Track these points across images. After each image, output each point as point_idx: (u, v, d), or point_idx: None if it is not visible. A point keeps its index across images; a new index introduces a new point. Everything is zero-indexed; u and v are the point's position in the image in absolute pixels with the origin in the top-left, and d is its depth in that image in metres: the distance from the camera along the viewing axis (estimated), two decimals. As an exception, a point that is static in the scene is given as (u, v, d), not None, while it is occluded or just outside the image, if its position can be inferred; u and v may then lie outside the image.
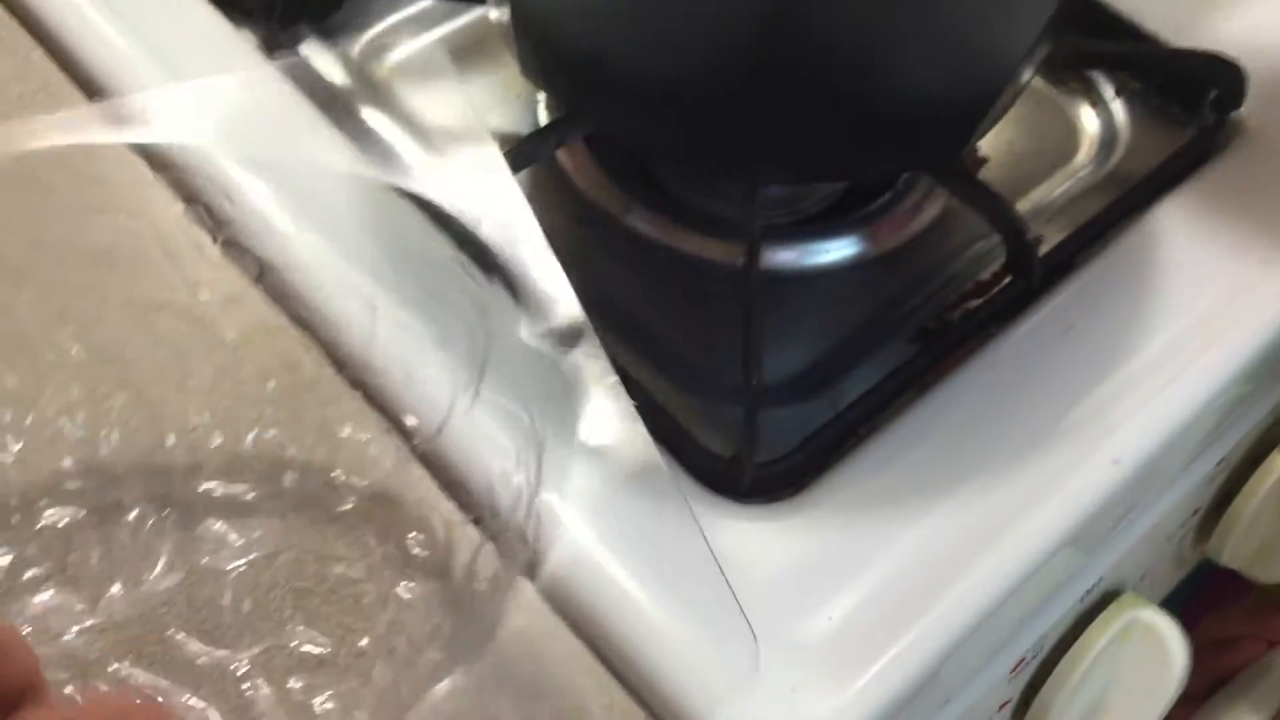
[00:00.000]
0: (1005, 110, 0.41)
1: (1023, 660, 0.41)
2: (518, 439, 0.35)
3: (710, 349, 0.41)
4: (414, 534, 0.34)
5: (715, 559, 0.33)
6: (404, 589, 0.33)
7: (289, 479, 0.35)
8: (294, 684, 0.31)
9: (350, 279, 0.39)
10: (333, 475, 0.35)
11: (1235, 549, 0.48)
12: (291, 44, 0.46)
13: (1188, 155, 0.45)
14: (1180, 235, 0.43)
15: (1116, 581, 0.43)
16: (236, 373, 0.37)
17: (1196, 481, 0.45)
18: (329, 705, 0.31)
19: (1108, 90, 0.49)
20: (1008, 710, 0.43)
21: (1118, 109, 0.48)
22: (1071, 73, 0.49)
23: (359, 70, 0.48)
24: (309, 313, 0.38)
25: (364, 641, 0.32)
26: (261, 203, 0.40)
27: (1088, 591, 0.42)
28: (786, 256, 0.44)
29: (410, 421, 0.36)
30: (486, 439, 0.36)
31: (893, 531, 0.36)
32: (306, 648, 0.32)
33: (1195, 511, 0.48)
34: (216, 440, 0.35)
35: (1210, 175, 0.45)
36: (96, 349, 0.36)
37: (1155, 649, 0.42)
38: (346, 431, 0.36)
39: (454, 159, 0.37)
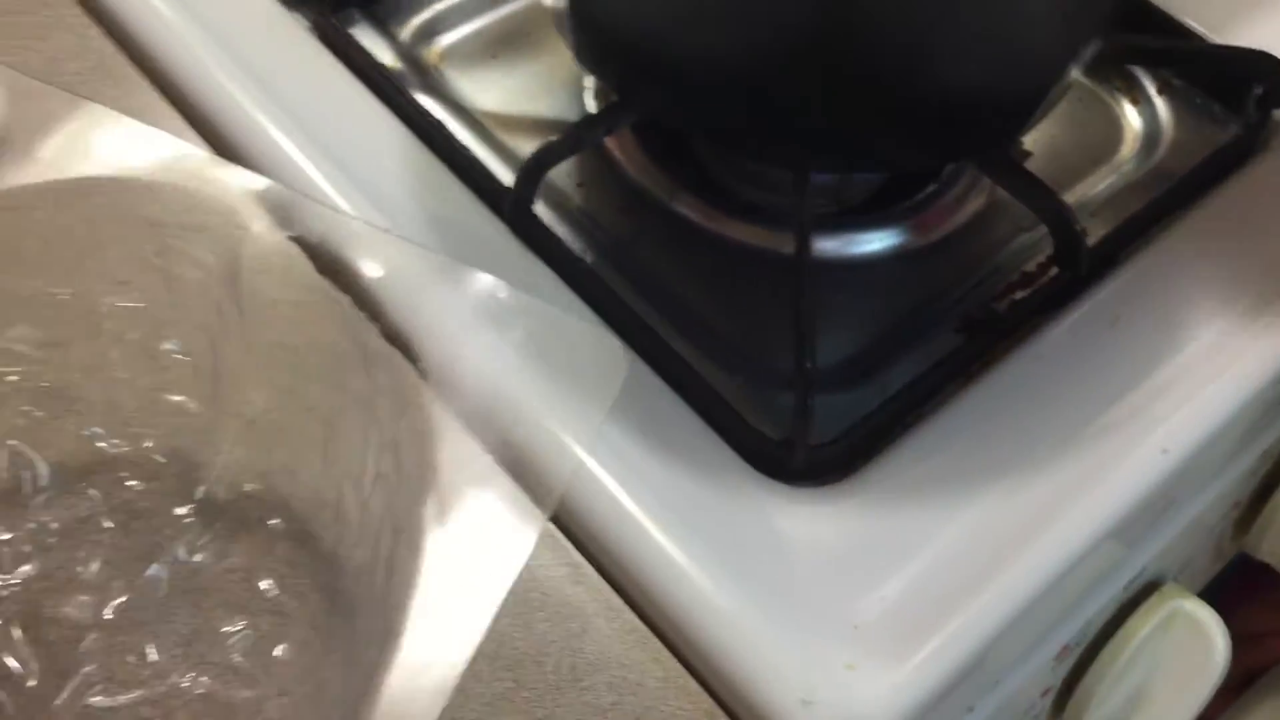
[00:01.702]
0: (1054, 104, 0.42)
1: (1067, 647, 0.41)
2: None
3: (758, 334, 0.42)
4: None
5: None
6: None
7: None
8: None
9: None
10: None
11: (1272, 543, 0.49)
12: (342, 27, 0.46)
13: (1231, 152, 0.45)
14: (1224, 231, 0.43)
15: (1159, 572, 0.44)
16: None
17: (1238, 474, 0.45)
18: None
19: (1150, 87, 0.49)
20: (1050, 697, 0.43)
21: (1161, 106, 0.49)
22: (1115, 68, 0.50)
23: (408, 54, 0.49)
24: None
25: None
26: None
27: (1131, 581, 0.42)
28: (830, 245, 0.44)
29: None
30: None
31: (941, 516, 0.36)
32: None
33: (1235, 505, 0.48)
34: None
35: (1253, 172, 0.45)
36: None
37: (1197, 639, 0.42)
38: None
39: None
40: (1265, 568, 0.51)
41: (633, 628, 0.34)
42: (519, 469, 0.35)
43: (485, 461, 0.35)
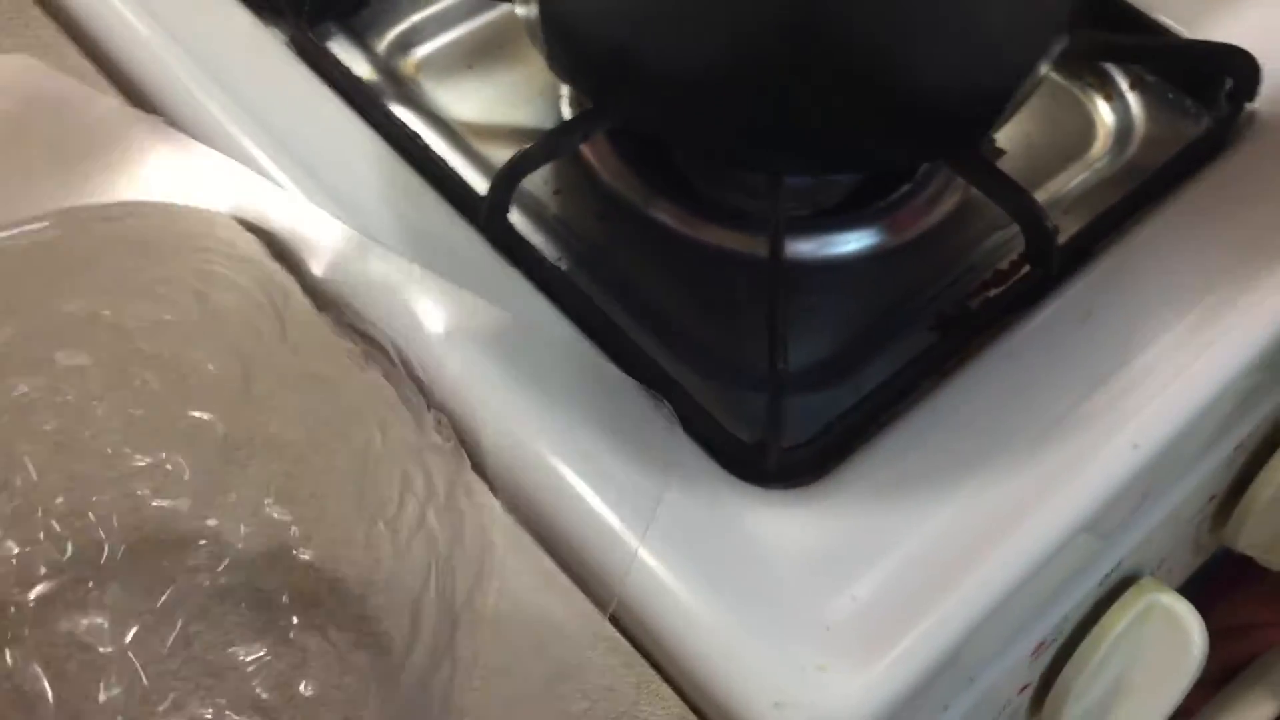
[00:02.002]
0: (1023, 102, 0.42)
1: (1043, 643, 0.41)
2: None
3: (733, 338, 0.42)
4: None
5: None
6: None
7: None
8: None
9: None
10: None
11: (1251, 535, 0.49)
12: (319, 40, 0.47)
13: (1203, 146, 0.46)
14: (1196, 225, 0.43)
15: (1135, 566, 0.44)
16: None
17: (1213, 467, 0.46)
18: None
19: (1123, 83, 0.50)
20: (1028, 693, 0.43)
21: (1133, 101, 0.49)
22: (1087, 65, 0.50)
23: (385, 66, 0.49)
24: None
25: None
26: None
27: (1107, 575, 0.42)
28: (806, 247, 0.45)
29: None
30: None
31: (915, 515, 0.36)
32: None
33: (1212, 498, 0.49)
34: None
35: (1225, 166, 0.45)
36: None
37: (1174, 632, 0.42)
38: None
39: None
40: (1248, 560, 0.51)
41: (605, 634, 0.34)
42: (570, 558, 0.35)
43: (535, 550, 0.35)
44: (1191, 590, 0.48)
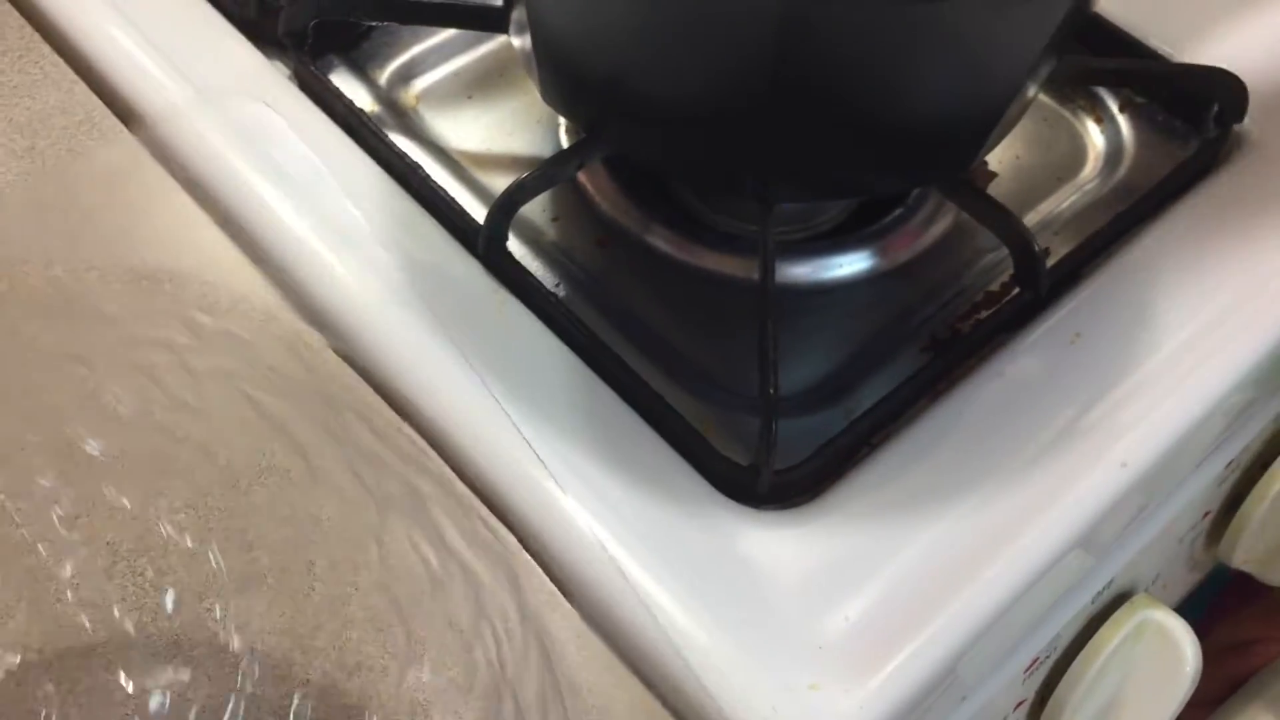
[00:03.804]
0: (1011, 126, 0.43)
1: (1036, 660, 0.42)
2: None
3: (728, 361, 0.43)
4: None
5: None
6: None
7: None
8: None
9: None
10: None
11: (1246, 551, 0.49)
12: (322, 73, 0.48)
13: (1192, 168, 0.46)
14: (1185, 245, 0.44)
15: (1129, 583, 0.44)
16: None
17: (1206, 484, 0.46)
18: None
19: (1113, 105, 0.50)
20: (1023, 709, 0.44)
21: (1123, 124, 0.50)
22: (1077, 89, 0.50)
23: (386, 98, 0.50)
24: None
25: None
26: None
27: (1100, 593, 0.42)
28: (800, 271, 0.45)
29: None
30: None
31: (907, 535, 0.37)
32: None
33: (1206, 514, 0.49)
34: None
35: (1214, 187, 0.46)
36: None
37: (1167, 649, 0.43)
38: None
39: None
40: (1252, 577, 0.51)
41: (599, 653, 0.35)
42: (563, 576, 0.36)
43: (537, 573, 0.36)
44: (1195, 608, 0.48)
